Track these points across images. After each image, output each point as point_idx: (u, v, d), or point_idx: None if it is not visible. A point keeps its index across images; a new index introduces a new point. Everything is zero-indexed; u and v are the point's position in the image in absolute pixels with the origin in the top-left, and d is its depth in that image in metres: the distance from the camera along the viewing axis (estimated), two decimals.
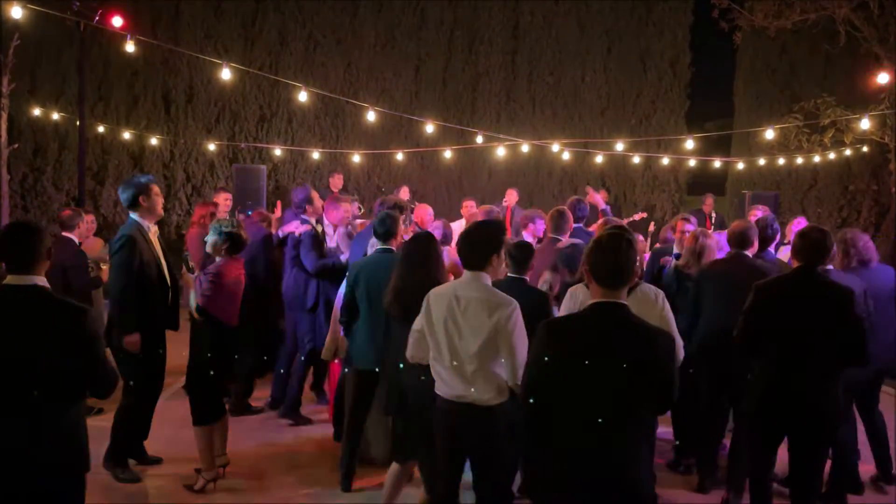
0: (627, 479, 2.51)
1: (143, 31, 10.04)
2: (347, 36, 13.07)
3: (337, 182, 10.96)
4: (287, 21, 12.77)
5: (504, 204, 10.71)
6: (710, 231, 5.71)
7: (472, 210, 8.14)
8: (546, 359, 2.54)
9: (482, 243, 3.35)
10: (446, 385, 3.33)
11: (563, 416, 2.52)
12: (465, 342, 3.25)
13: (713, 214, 11.42)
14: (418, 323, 3.45)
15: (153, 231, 4.93)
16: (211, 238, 4.66)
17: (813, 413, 3.62)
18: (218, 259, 4.68)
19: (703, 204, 11.52)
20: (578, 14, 13.97)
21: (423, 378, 3.56)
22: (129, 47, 8.38)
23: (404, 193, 10.47)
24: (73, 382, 2.75)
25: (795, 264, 3.80)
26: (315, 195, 6.19)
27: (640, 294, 3.75)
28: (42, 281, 2.81)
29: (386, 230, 4.69)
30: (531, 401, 2.58)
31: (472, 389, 3.23)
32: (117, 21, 8.64)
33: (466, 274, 3.35)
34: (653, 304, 3.75)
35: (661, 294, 3.82)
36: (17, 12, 7.28)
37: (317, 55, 12.90)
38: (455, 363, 3.27)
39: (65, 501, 2.82)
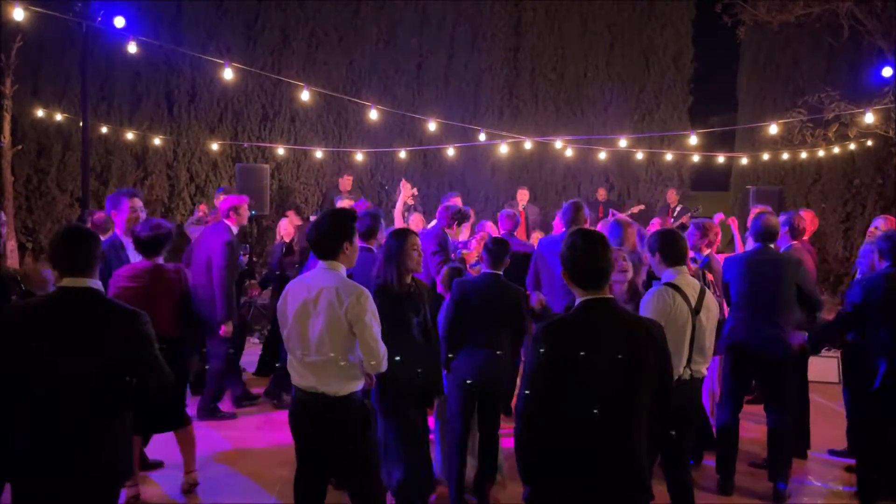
0: (629, 477, 2.51)
1: (145, 31, 10.02)
2: (349, 34, 13.05)
3: (346, 184, 10.95)
4: (289, 19, 12.76)
5: (517, 202, 10.73)
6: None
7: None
8: (544, 362, 2.53)
9: (333, 232, 3.32)
10: (299, 376, 3.32)
11: (565, 418, 2.50)
12: (315, 332, 3.22)
13: (677, 209, 11.00)
14: None
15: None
16: None
17: None
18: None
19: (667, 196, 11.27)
20: (580, 9, 13.91)
21: None
22: (132, 48, 8.40)
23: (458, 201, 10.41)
24: (125, 386, 2.70)
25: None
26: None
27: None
28: (96, 284, 2.80)
29: (366, 229, 4.72)
30: (529, 404, 2.54)
31: (323, 380, 3.24)
32: (119, 22, 8.64)
33: (320, 264, 3.33)
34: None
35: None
36: (19, 14, 7.29)
37: (319, 53, 12.89)
38: (306, 354, 3.25)
39: None
